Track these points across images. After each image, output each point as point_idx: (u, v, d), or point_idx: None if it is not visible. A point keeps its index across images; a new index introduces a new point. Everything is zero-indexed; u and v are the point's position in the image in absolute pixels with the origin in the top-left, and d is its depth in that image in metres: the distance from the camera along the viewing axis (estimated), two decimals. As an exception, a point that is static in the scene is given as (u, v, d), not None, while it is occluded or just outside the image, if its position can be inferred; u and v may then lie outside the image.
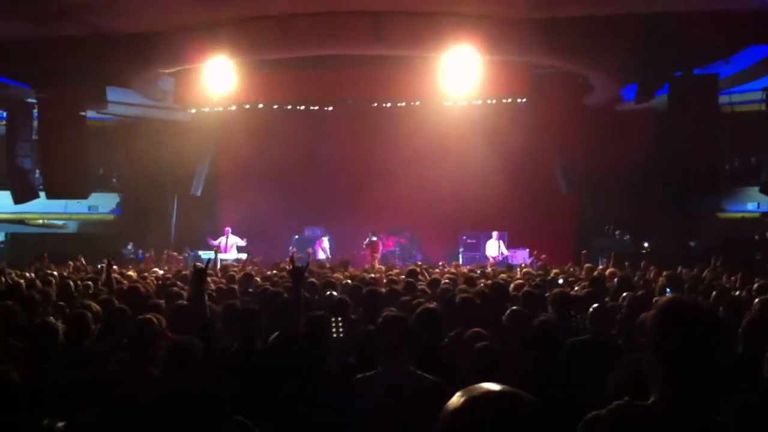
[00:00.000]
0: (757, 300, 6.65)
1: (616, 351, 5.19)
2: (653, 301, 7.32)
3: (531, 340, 5.21)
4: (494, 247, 19.80)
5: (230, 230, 20.29)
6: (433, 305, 6.10)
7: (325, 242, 20.86)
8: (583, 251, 15.01)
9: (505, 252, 19.74)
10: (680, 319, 2.33)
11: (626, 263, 13.93)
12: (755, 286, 8.88)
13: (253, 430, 3.40)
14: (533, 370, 4.53)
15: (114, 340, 5.52)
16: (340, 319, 5.39)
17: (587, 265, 12.99)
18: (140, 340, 4.92)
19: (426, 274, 11.75)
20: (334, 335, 4.71)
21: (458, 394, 1.72)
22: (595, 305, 5.99)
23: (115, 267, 10.09)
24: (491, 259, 18.82)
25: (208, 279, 10.18)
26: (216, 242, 18.62)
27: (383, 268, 14.30)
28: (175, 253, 16.73)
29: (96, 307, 6.12)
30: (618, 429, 2.26)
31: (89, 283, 9.73)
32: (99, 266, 13.67)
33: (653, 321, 2.39)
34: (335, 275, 10.97)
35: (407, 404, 4.11)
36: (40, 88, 17.21)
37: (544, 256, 16.19)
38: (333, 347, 5.37)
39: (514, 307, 6.14)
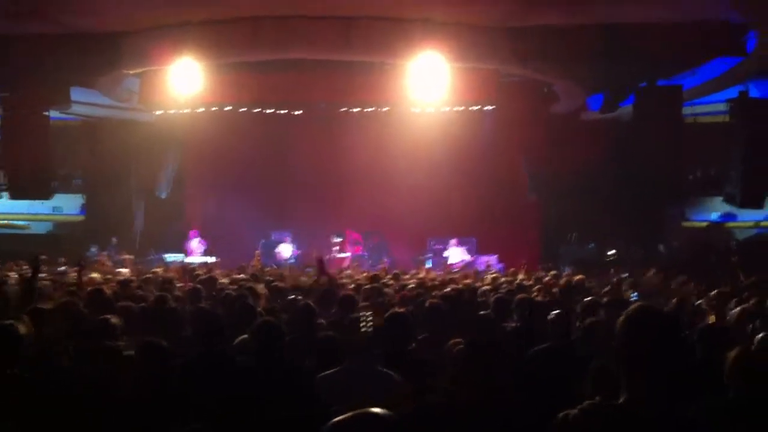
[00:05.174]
0: (735, 310, 6.71)
1: (577, 357, 5.23)
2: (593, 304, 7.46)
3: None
4: (456, 254, 19.88)
5: (197, 233, 20.15)
6: (402, 310, 6.15)
7: (284, 248, 20.57)
8: (549, 265, 15.19)
9: (467, 258, 19.81)
10: (644, 324, 2.48)
11: (598, 271, 14.08)
12: (712, 293, 9.01)
13: None
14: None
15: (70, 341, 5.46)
16: (369, 314, 5.45)
17: (552, 272, 13.09)
18: (95, 342, 4.85)
19: (395, 279, 11.78)
20: (363, 329, 4.75)
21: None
22: (556, 312, 5.99)
23: (77, 269, 9.98)
24: (453, 266, 18.79)
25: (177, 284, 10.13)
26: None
27: (351, 272, 14.26)
28: (129, 256, 16.54)
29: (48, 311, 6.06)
30: (589, 427, 2.36)
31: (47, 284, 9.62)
32: (61, 269, 13.48)
33: (621, 326, 2.53)
34: (302, 279, 10.96)
35: (370, 400, 4.11)
36: (3, 87, 16.92)
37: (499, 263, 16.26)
38: (290, 353, 5.37)
39: (482, 313, 6.17)
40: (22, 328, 4.86)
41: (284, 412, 4.45)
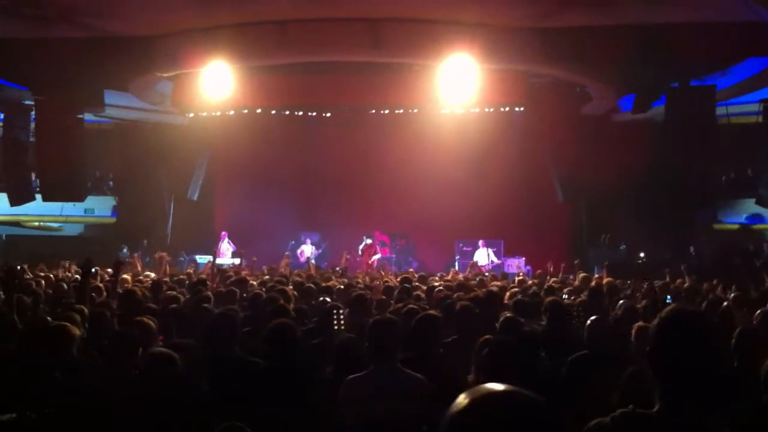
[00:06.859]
0: (758, 312, 6.62)
1: (616, 363, 5.15)
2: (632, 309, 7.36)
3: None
4: (483, 256, 19.81)
5: (226, 235, 20.31)
6: (433, 312, 6.14)
7: (307, 249, 20.82)
8: (576, 261, 15.06)
9: (495, 260, 19.74)
10: (681, 328, 2.38)
11: (629, 273, 13.89)
12: (732, 294, 8.88)
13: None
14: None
15: (99, 344, 5.48)
16: (341, 311, 5.42)
17: (582, 274, 12.96)
18: (124, 345, 4.84)
19: (422, 281, 11.75)
20: (336, 327, 4.75)
21: (463, 395, 1.62)
22: (593, 317, 5.80)
23: (109, 270, 10.06)
24: (480, 268, 18.69)
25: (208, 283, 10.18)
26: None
27: (382, 273, 14.23)
28: (164, 254, 16.64)
29: (85, 311, 6.11)
30: None
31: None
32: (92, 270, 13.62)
33: (656, 330, 2.44)
34: (330, 282, 10.96)
35: (398, 402, 4.18)
36: (38, 91, 17.18)
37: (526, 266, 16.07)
38: (306, 354, 5.38)
39: (507, 314, 6.14)
40: (75, 330, 4.86)
41: (291, 416, 4.47)
